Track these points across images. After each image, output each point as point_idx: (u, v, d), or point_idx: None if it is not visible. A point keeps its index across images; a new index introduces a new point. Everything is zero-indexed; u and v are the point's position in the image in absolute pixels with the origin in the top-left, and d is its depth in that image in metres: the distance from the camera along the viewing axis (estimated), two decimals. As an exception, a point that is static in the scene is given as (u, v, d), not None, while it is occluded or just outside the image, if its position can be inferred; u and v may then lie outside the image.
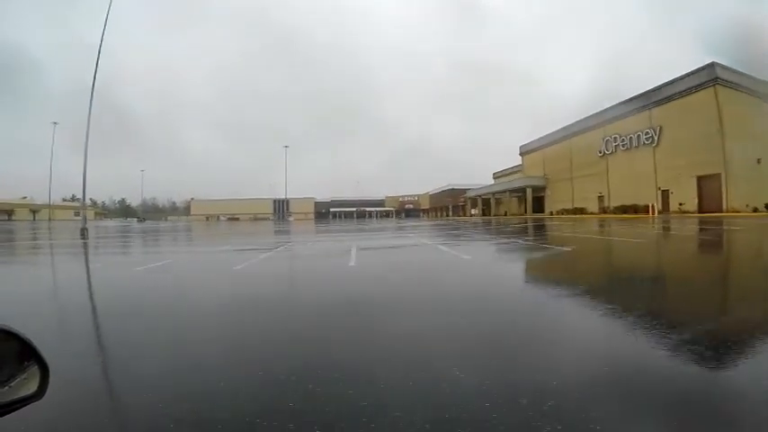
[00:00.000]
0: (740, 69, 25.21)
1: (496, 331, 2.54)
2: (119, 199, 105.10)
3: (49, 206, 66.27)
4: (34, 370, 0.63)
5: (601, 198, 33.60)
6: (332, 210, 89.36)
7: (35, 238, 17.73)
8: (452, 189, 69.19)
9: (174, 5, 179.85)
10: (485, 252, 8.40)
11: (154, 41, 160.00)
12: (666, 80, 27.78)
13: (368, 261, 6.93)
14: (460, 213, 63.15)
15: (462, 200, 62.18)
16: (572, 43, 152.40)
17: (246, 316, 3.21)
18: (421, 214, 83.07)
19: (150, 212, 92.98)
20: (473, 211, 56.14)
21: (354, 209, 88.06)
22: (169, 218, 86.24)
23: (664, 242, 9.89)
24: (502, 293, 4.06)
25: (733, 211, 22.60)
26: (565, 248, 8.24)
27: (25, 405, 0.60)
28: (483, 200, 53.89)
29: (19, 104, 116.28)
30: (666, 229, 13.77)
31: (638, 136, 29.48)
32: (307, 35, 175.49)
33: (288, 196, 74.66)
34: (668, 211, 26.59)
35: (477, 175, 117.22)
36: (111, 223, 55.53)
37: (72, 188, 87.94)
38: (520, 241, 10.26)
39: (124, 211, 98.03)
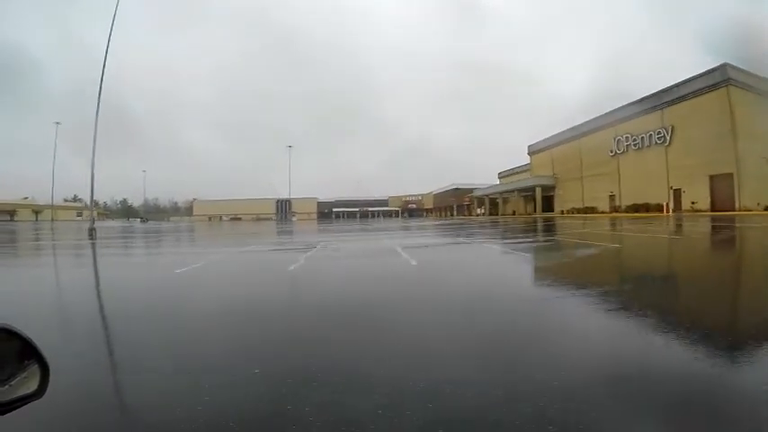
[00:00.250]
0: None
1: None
2: (120, 199, 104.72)
3: (51, 206, 66.05)
4: (35, 369, 0.64)
5: (612, 197, 33.81)
6: (335, 210, 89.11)
7: (53, 239, 17.56)
8: (456, 189, 69.17)
9: (174, 5, 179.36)
10: (546, 249, 8.28)
11: (154, 41, 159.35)
12: (675, 81, 28.10)
13: (425, 259, 6.94)
14: (465, 213, 63.18)
15: (467, 199, 62.21)
16: (572, 43, 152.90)
17: (356, 320, 2.99)
18: (424, 214, 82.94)
19: (152, 213, 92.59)
20: (479, 211, 56.19)
21: (357, 209, 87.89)
22: (171, 218, 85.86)
23: (722, 238, 9.88)
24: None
25: (745, 210, 22.80)
26: (635, 246, 8.25)
27: (26, 404, 0.60)
28: (490, 199, 54.01)
29: (19, 104, 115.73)
30: (702, 226, 13.85)
31: (650, 136, 29.71)
32: (307, 35, 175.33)
33: (290, 196, 74.61)
34: (680, 209, 26.78)
35: (478, 174, 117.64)
36: (115, 224, 55.19)
37: (73, 188, 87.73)
38: (573, 239, 10.27)
39: (126, 211, 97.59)
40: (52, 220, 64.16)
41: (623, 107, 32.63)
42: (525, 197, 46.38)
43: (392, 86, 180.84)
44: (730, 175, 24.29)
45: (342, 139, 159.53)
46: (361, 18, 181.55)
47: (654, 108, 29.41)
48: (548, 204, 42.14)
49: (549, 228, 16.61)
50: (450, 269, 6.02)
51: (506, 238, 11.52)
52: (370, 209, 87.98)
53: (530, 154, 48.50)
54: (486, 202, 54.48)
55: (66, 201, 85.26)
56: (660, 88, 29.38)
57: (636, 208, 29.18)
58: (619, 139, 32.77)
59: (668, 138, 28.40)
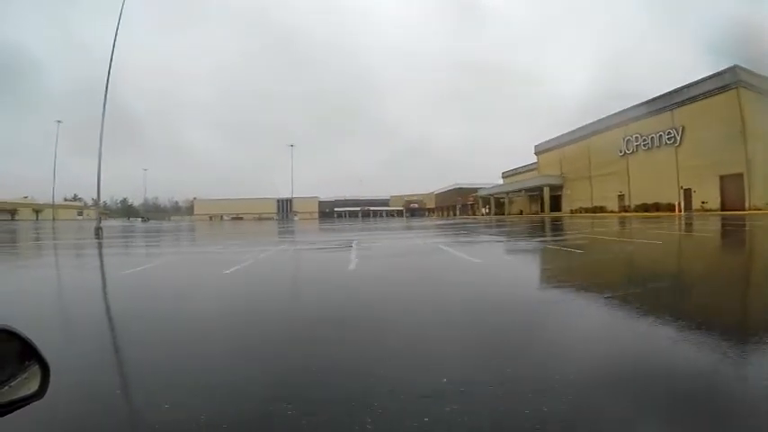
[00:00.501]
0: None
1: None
2: (120, 199, 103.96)
3: (52, 206, 65.52)
4: (35, 369, 0.64)
5: (621, 197, 34.13)
6: (336, 209, 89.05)
7: (64, 238, 17.29)
8: (459, 188, 69.38)
9: (174, 5, 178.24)
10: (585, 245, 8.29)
11: (154, 41, 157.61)
12: (675, 81, 29.01)
13: (481, 254, 7.02)
14: (469, 213, 63.34)
15: (472, 199, 62.39)
16: (572, 43, 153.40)
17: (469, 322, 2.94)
18: (426, 214, 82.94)
19: (152, 212, 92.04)
20: (484, 211, 56.35)
21: (359, 208, 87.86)
22: (172, 218, 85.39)
23: (745, 234, 10.01)
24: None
25: (755, 209, 23.14)
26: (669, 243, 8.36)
27: (26, 405, 0.61)
28: (495, 199, 54.23)
29: (19, 104, 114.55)
30: (718, 224, 14.01)
31: (660, 136, 30.05)
32: (306, 35, 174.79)
33: (292, 196, 74.40)
34: (691, 209, 27.11)
35: (479, 174, 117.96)
36: (116, 223, 54.74)
37: (73, 187, 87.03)
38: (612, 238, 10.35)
39: (126, 210, 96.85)
40: (53, 219, 63.63)
41: (633, 107, 32.95)
42: (531, 197, 46.65)
43: (392, 86, 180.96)
44: (740, 176, 24.65)
45: (342, 139, 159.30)
46: (361, 18, 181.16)
47: (664, 109, 29.76)
48: (555, 204, 42.45)
49: (559, 227, 16.69)
50: (512, 266, 6.09)
51: (533, 237, 11.55)
52: (372, 208, 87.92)
53: (536, 153, 48.80)
54: (492, 201, 54.68)
55: (66, 200, 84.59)
56: (670, 89, 29.75)
57: (646, 207, 29.49)
58: (628, 139, 33.10)
59: (678, 138, 28.73)
